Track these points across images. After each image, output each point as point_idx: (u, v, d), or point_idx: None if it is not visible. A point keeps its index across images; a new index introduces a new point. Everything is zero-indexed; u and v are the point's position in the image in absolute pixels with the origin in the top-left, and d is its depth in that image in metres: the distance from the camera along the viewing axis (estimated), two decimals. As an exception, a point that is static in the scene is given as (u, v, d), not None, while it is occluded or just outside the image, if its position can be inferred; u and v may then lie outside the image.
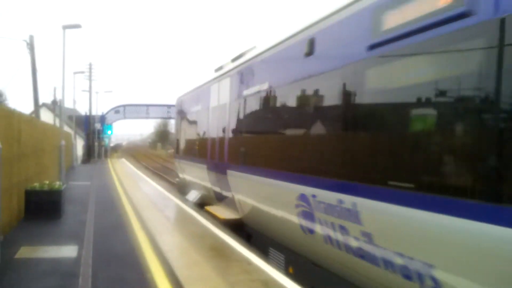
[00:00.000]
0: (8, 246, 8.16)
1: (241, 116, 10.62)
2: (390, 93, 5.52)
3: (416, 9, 4.90)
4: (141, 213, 12.51)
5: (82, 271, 6.96)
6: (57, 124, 30.22)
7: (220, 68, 13.13)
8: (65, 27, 21.73)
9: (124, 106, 56.13)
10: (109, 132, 54.97)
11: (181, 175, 18.26)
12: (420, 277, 4.63)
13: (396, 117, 5.43)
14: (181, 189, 18.12)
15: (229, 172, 10.85)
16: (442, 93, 4.69)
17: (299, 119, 7.81)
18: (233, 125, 11.16)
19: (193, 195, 15.19)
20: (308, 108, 7.57)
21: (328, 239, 6.31)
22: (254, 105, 9.84)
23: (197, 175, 14.73)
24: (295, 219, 7.26)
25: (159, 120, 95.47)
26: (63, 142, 20.38)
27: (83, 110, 54.09)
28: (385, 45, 5.36)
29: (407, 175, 4.95)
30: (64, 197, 12.49)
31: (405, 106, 5.23)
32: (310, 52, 7.18)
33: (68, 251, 8.18)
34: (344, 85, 6.19)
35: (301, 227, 7.09)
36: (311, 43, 7.14)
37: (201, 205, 13.56)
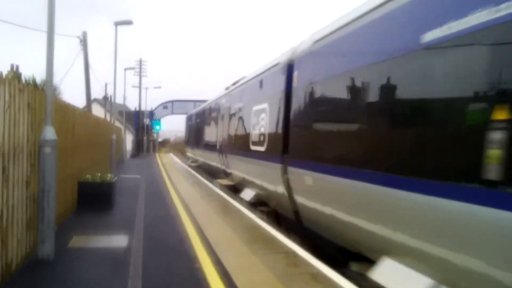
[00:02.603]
0: (62, 235, 8.43)
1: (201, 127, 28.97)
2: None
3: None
4: (188, 205, 12.67)
5: (133, 260, 7.10)
6: (108, 119, 31.00)
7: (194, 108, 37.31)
8: (117, 24, 22.24)
9: (172, 101, 57.06)
10: (157, 127, 56.09)
11: (187, 154, 40.57)
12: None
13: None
14: (188, 159, 38.31)
15: (187, 148, 39.81)
16: None
17: (208, 130, 25.20)
18: (201, 131, 28.47)
19: (190, 160, 36.06)
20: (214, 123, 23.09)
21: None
22: (209, 124, 25.19)
23: (192, 153, 35.32)
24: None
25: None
26: (114, 136, 20.90)
27: (132, 105, 55.31)
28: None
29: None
30: (115, 189, 12.80)
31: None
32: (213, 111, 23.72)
33: (119, 241, 8.37)
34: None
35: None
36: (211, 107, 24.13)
37: (194, 164, 31.55)
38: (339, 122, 8.04)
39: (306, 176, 9.13)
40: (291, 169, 10.01)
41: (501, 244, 4.39)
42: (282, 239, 8.63)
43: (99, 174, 12.60)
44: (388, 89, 6.41)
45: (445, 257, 5.15)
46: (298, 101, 9.88)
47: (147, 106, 56.45)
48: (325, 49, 8.88)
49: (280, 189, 10.91)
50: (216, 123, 21.24)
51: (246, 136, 14.47)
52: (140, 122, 50.40)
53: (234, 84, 19.24)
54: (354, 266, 7.36)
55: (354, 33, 7.60)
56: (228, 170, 17.99)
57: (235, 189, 16.55)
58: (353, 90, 7.53)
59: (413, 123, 5.83)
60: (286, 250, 7.85)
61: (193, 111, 36.49)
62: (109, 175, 13.11)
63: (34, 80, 17.11)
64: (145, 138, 51.74)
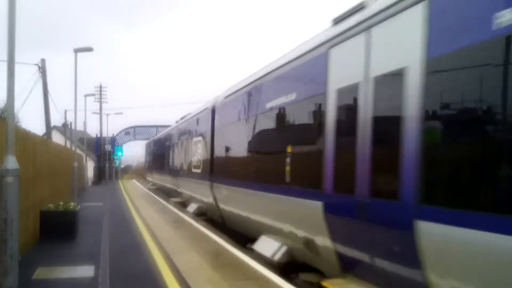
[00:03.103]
0: (25, 267, 8.19)
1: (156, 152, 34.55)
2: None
3: None
4: (154, 231, 12.53)
5: (100, 290, 6.98)
6: (68, 146, 30.42)
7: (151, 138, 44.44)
8: (76, 50, 22.00)
9: (134, 127, 56.59)
10: (119, 153, 55.31)
11: (147, 178, 43.14)
12: None
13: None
14: (148, 182, 40.89)
15: (148, 173, 41.80)
16: None
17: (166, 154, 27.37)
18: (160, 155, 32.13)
19: (151, 184, 37.73)
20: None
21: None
22: (158, 151, 33.28)
23: (151, 177, 38.54)
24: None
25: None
26: (76, 164, 20.52)
27: (93, 132, 54.43)
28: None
29: None
30: (78, 218, 12.55)
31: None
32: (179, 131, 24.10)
33: (85, 271, 8.20)
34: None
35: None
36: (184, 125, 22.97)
37: (159, 190, 31.33)
38: (234, 152, 12.64)
39: (222, 189, 13.28)
40: (215, 185, 14.07)
41: (300, 217, 8.13)
42: (252, 264, 8.62)
43: (61, 203, 12.34)
44: (252, 135, 10.98)
45: (282, 228, 9.00)
46: (216, 137, 14.39)
47: (109, 132, 55.80)
48: (227, 104, 13.43)
49: (210, 200, 14.75)
50: (168, 150, 26.27)
51: (189, 161, 18.86)
52: (102, 149, 49.60)
53: (182, 118, 23.59)
54: (248, 245, 10.56)
55: (238, 98, 12.35)
56: (179, 190, 22.24)
57: (184, 205, 20.15)
58: (238, 133, 12.01)
59: (266, 154, 10.24)
60: (256, 275, 7.85)
61: (150, 139, 43.18)
62: (72, 203, 12.86)
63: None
64: (107, 165, 50.87)
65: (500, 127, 4.34)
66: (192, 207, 18.12)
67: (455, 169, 4.75)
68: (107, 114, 54.03)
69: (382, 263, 5.86)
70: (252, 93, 11.17)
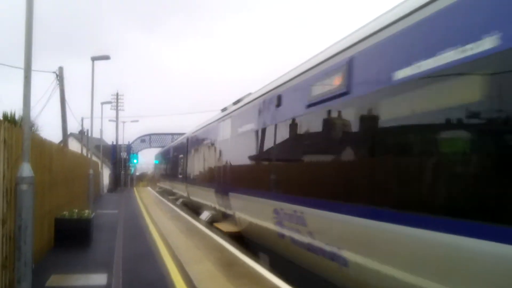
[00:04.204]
0: (39, 274, 8.20)
1: (164, 166, 40.37)
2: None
3: None
4: (169, 241, 12.50)
5: (113, 299, 6.93)
6: (85, 153, 30.62)
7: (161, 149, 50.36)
8: (94, 58, 22.21)
9: (149, 135, 56.81)
10: (135, 161, 55.57)
11: (158, 184, 48.69)
12: None
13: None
14: (158, 188, 46.61)
15: (156, 179, 51.94)
16: None
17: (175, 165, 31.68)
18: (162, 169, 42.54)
19: (158, 187, 45.92)
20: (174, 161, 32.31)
21: None
22: (164, 165, 40.68)
23: (163, 183, 42.06)
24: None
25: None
26: (91, 171, 20.63)
27: (109, 139, 54.86)
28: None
29: None
30: (93, 225, 12.57)
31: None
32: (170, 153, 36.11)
33: (98, 279, 8.18)
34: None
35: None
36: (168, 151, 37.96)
37: (164, 192, 38.89)
38: (191, 165, 21.45)
39: (190, 187, 21.58)
40: (188, 184, 22.44)
41: (210, 197, 16.38)
42: (265, 274, 8.53)
43: (76, 210, 12.38)
44: (196, 156, 20.29)
45: (208, 204, 17.18)
46: (188, 156, 22.73)
47: (125, 140, 56.07)
48: (192, 138, 21.81)
49: (186, 194, 23.47)
50: (167, 162, 36.58)
51: (176, 170, 27.83)
52: (117, 156, 49.90)
53: (176, 140, 34.70)
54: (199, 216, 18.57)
55: (193, 136, 21.45)
56: (173, 190, 31.03)
57: (176, 199, 28.60)
58: (193, 155, 20.95)
59: (200, 167, 19.00)
60: (269, 285, 7.75)
61: (157, 152, 52.08)
62: (86, 211, 12.90)
63: (7, 117, 16.81)
64: (122, 172, 51.13)
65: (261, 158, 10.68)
66: (179, 200, 27.28)
67: (229, 178, 12.64)
68: (123, 122, 54.45)
69: (227, 211, 13.21)
70: (196, 135, 20.28)
